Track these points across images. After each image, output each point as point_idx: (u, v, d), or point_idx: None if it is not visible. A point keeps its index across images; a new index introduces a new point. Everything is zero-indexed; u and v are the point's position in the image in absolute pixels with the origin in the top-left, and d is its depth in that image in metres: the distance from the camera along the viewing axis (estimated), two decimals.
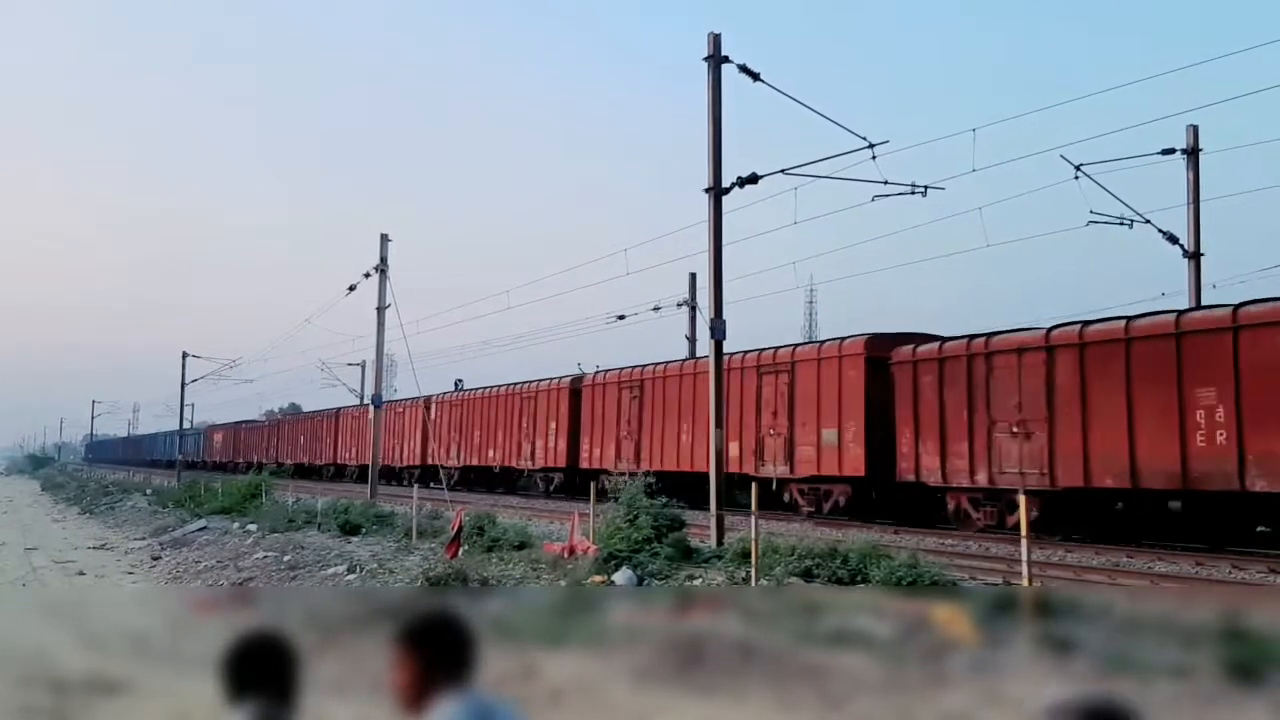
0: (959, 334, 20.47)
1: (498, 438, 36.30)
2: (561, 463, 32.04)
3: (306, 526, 21.09)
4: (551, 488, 33.15)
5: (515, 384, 35.99)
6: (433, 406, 40.79)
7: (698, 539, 14.59)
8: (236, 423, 75.54)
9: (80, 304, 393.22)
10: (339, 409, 53.82)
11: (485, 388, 38.53)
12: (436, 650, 2.18)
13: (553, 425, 32.85)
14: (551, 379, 34.08)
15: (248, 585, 15.29)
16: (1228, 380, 15.28)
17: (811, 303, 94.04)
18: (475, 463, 37.99)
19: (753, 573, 11.17)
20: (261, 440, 66.48)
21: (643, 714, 3.06)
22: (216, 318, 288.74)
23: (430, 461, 38.79)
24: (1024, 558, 9.61)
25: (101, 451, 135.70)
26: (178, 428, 60.58)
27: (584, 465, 30.21)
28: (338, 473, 51.43)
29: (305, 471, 51.77)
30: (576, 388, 32.13)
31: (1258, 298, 16.09)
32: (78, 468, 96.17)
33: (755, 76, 15.58)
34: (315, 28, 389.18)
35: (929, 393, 20.12)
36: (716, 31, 15.47)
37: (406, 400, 45.01)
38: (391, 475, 42.35)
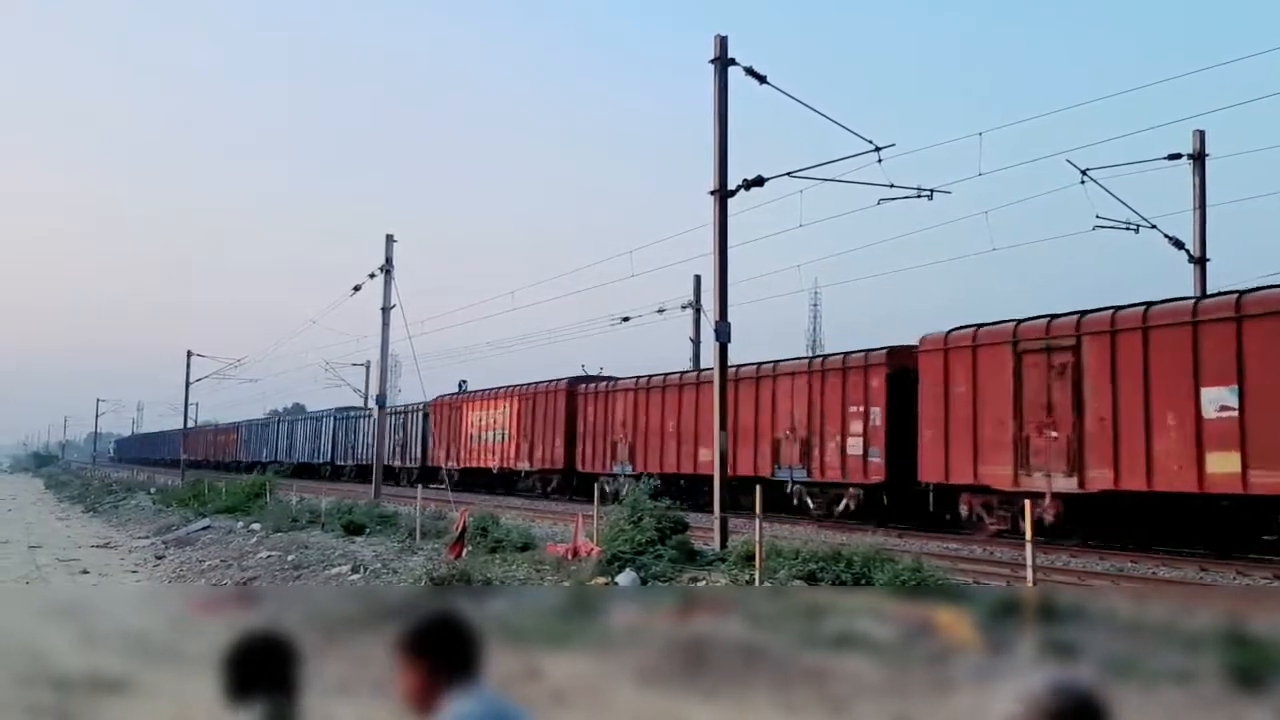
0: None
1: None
2: (880, 476, 20.80)
3: (310, 526, 21.14)
4: (841, 509, 22.06)
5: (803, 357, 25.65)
6: (579, 396, 32.61)
7: (701, 542, 14.59)
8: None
9: (82, 303, 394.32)
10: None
11: (680, 371, 28.80)
12: (443, 652, 2.17)
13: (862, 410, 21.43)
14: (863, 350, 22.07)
15: (251, 585, 15.31)
16: None
17: (816, 305, 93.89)
18: (673, 469, 26.95)
19: (756, 575, 11.16)
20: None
21: (646, 715, 3.06)
22: (219, 318, 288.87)
23: (581, 468, 32.13)
24: (1029, 562, 9.60)
25: (143, 449, 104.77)
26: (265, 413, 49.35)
27: (936, 478, 19.38)
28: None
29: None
30: (907, 365, 20.41)
31: None
32: (82, 466, 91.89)
33: (762, 79, 15.58)
34: (319, 28, 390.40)
35: None
36: (723, 34, 15.49)
37: (545, 383, 35.24)
38: (507, 483, 34.66)
